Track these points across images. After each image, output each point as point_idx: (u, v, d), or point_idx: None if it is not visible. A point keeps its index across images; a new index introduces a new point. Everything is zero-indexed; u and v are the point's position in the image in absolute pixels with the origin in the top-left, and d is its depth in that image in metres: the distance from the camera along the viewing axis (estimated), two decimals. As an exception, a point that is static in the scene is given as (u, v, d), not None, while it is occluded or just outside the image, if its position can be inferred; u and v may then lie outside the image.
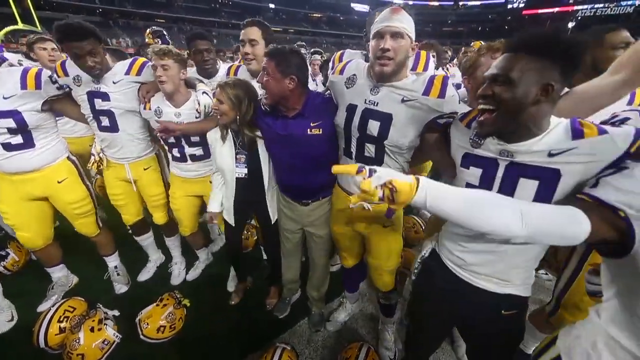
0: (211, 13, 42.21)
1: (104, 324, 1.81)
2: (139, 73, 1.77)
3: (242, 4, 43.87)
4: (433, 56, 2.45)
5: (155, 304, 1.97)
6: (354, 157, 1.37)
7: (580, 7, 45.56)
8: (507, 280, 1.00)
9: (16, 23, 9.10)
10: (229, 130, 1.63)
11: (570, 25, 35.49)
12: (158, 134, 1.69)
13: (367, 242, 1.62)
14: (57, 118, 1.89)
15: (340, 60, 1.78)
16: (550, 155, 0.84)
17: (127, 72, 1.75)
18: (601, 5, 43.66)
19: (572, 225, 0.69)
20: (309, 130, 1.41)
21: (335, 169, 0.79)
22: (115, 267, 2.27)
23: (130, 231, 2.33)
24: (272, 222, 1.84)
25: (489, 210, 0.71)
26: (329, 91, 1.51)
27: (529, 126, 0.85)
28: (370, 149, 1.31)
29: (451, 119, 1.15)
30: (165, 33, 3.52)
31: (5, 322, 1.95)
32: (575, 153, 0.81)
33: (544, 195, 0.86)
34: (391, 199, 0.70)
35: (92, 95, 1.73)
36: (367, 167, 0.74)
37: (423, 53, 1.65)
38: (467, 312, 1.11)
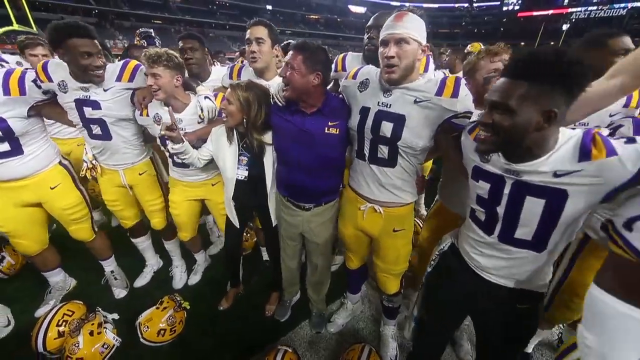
0: (208, 14, 42.11)
1: (104, 328, 1.79)
2: (131, 79, 1.67)
3: (239, 5, 43.84)
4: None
5: (155, 306, 1.96)
6: (367, 158, 1.38)
7: (574, 9, 46.19)
8: (522, 280, 1.03)
9: (11, 24, 9.04)
10: (235, 131, 1.61)
11: (565, 27, 35.85)
12: (162, 134, 1.55)
13: (375, 245, 1.61)
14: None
15: (344, 63, 1.80)
16: (556, 175, 0.82)
17: (119, 79, 1.65)
18: (595, 7, 44.28)
19: None
20: (326, 128, 1.40)
21: None
22: (112, 271, 2.23)
23: (128, 234, 2.30)
24: (274, 225, 1.83)
25: None
26: (341, 95, 1.51)
27: (532, 150, 0.84)
28: (383, 151, 1.32)
29: (467, 120, 1.18)
30: (152, 34, 3.46)
31: (1, 327, 1.92)
32: (580, 175, 0.79)
33: (550, 215, 0.86)
34: None
35: (80, 104, 1.63)
36: None
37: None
38: (483, 305, 1.14)
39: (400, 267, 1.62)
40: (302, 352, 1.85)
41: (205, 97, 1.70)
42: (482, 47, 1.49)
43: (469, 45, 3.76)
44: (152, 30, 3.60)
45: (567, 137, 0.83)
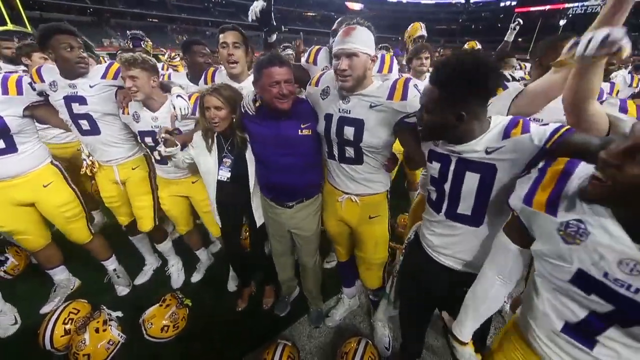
0: (204, 12, 41.83)
1: (109, 325, 1.85)
2: (115, 77, 1.78)
3: (235, 2, 43.52)
4: (426, 58, 2.51)
5: (158, 304, 2.02)
6: (336, 158, 1.50)
7: (571, 4, 46.13)
8: (465, 261, 1.15)
9: (5, 24, 8.98)
10: (214, 134, 1.63)
11: (562, 22, 35.80)
12: (163, 137, 1.62)
13: (355, 236, 1.73)
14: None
15: (315, 57, 1.91)
16: (487, 152, 0.97)
17: (104, 76, 1.77)
18: (591, 2, 44.23)
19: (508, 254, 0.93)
20: (299, 130, 1.49)
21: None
22: (114, 270, 2.29)
23: (125, 230, 2.31)
24: (258, 226, 1.84)
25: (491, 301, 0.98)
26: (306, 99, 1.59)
27: (460, 137, 1.00)
28: (349, 151, 1.44)
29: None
30: (140, 36, 3.54)
31: (8, 326, 1.98)
32: (504, 151, 0.95)
33: (484, 186, 1.01)
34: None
35: (68, 100, 1.74)
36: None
37: (387, 56, 1.75)
38: (437, 287, 1.25)
39: (380, 255, 1.73)
40: (301, 346, 1.92)
41: (178, 96, 1.75)
42: (478, 45, 1.53)
43: (466, 44, 3.80)
44: (140, 32, 3.66)
45: (498, 122, 0.98)
